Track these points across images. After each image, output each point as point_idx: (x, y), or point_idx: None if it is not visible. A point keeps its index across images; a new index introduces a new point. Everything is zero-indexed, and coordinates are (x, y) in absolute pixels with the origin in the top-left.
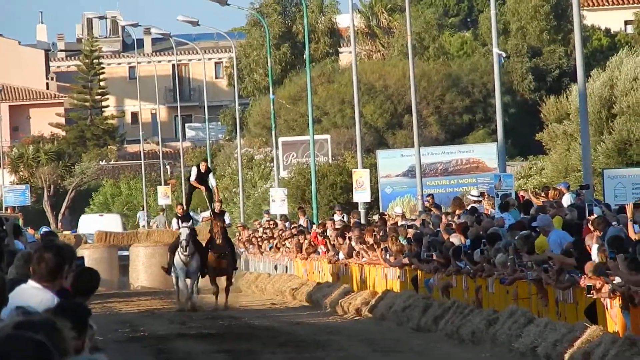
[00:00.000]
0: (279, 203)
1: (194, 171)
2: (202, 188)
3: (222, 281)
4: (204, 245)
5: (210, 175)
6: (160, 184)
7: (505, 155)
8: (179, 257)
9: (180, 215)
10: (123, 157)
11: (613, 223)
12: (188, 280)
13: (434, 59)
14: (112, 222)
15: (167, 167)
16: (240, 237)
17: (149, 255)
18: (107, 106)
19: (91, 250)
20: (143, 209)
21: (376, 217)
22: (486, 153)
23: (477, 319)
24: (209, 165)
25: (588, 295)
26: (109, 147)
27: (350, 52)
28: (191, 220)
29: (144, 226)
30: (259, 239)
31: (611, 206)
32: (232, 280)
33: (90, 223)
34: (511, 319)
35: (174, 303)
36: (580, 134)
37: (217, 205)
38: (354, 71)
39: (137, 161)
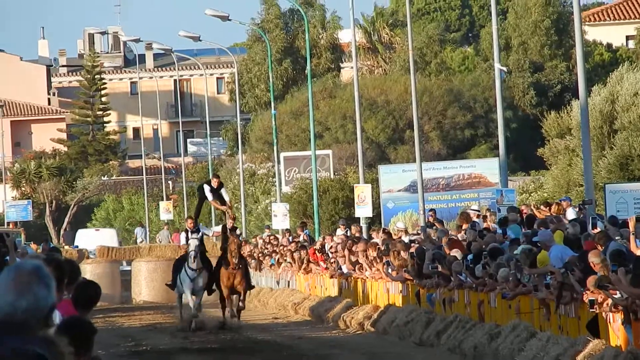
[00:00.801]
0: (281, 218)
1: (207, 190)
2: (223, 208)
3: (234, 301)
4: (215, 261)
5: (223, 191)
6: (162, 199)
7: (507, 170)
8: (186, 271)
9: (190, 229)
10: (125, 172)
11: (616, 238)
12: (193, 298)
13: (435, 74)
14: (108, 237)
15: (169, 182)
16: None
17: (151, 270)
18: (108, 122)
19: (93, 265)
20: (141, 225)
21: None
22: (488, 168)
23: (480, 333)
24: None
25: (590, 310)
26: (110, 162)
27: (351, 68)
28: (200, 233)
29: (141, 242)
30: (259, 254)
31: (617, 219)
32: (246, 300)
33: (87, 238)
34: (513, 333)
35: (177, 319)
36: (582, 148)
37: (229, 222)
38: (355, 86)
39: (139, 176)
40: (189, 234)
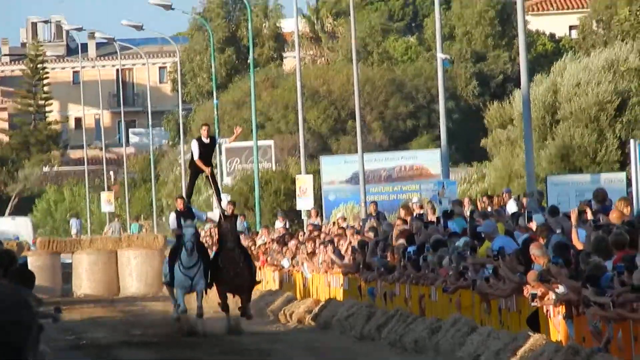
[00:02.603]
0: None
1: (194, 146)
2: (207, 170)
3: (237, 300)
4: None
5: (218, 148)
6: (104, 190)
7: (448, 161)
8: (180, 267)
9: (180, 211)
10: (66, 162)
11: (557, 231)
12: (192, 296)
13: (378, 64)
14: (22, 225)
15: (111, 173)
16: None
17: (92, 262)
18: (50, 111)
19: (34, 257)
20: (76, 216)
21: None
22: (430, 159)
23: (420, 328)
24: (214, 136)
25: (532, 304)
26: (52, 152)
27: (294, 57)
28: (194, 219)
29: (76, 233)
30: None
31: (558, 209)
32: (250, 297)
33: (1, 225)
34: (454, 327)
35: (175, 322)
36: (524, 139)
37: (229, 208)
38: (298, 76)
39: (81, 167)
40: (181, 219)
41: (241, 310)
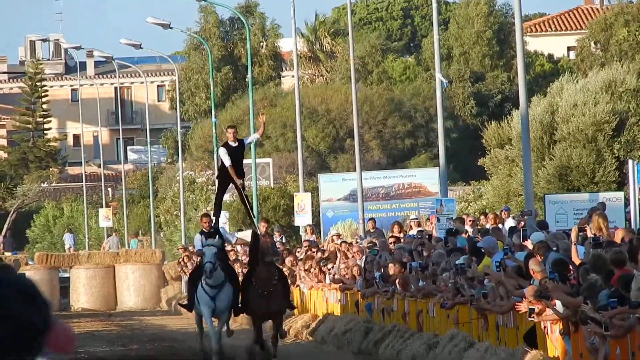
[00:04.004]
0: (220, 226)
1: (223, 153)
2: (239, 182)
3: (268, 327)
4: (241, 275)
5: (250, 140)
6: (102, 207)
7: (447, 179)
8: (203, 288)
9: (205, 231)
10: (65, 179)
11: (554, 248)
12: (215, 321)
13: (377, 83)
14: None
15: (109, 189)
16: (180, 260)
17: (90, 277)
18: (49, 128)
19: (32, 271)
20: (70, 231)
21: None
22: (428, 177)
23: (418, 343)
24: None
25: (529, 319)
26: (50, 169)
27: (293, 76)
28: (219, 238)
29: (69, 248)
30: (197, 261)
31: (547, 224)
32: (283, 325)
33: None
34: (451, 343)
35: (198, 348)
36: (522, 159)
37: (262, 226)
38: (296, 95)
39: (79, 183)
40: (203, 237)
41: (272, 336)
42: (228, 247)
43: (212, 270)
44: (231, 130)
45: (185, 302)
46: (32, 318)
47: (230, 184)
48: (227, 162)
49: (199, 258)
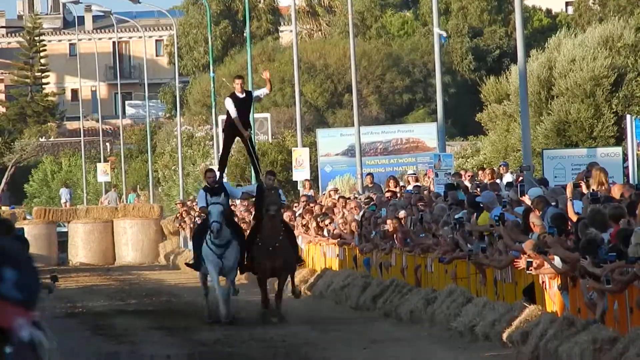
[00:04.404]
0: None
1: (229, 104)
2: (246, 133)
3: (274, 284)
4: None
5: (259, 94)
6: (100, 161)
7: (445, 135)
8: (209, 246)
9: (209, 186)
10: (63, 134)
11: (552, 203)
12: (222, 280)
13: (375, 38)
14: None
15: (107, 144)
16: (178, 215)
17: (88, 231)
18: (47, 83)
19: (30, 226)
20: (66, 186)
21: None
22: (426, 133)
23: (416, 298)
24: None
25: (527, 272)
26: (49, 124)
27: (291, 31)
28: (224, 195)
29: (65, 202)
30: (195, 217)
31: (547, 181)
32: (289, 281)
33: None
34: (449, 298)
35: (204, 308)
36: (520, 114)
37: (268, 179)
38: (294, 50)
39: (77, 138)
40: (208, 195)
41: (277, 293)
42: (237, 202)
43: (219, 230)
44: (238, 81)
45: (190, 261)
46: None
47: (237, 137)
48: (233, 113)
49: (202, 215)
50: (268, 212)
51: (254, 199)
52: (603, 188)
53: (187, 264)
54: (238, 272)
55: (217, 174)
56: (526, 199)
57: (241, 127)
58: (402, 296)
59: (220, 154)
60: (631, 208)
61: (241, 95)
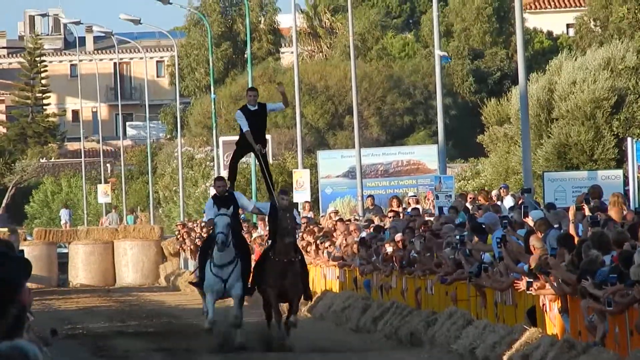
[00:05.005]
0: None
1: (240, 117)
2: (257, 146)
3: (284, 308)
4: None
5: (274, 108)
6: (101, 182)
7: (445, 157)
8: (211, 265)
9: (218, 195)
10: (64, 155)
11: (555, 225)
12: (230, 301)
13: (376, 60)
14: None
15: (108, 165)
16: (179, 236)
17: (88, 252)
18: (48, 104)
19: (30, 247)
20: (66, 207)
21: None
22: (427, 155)
23: (416, 320)
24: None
25: (527, 292)
26: (49, 144)
27: (292, 52)
28: (234, 207)
29: (65, 223)
30: (196, 239)
31: (555, 206)
32: (298, 307)
33: None
34: (450, 320)
35: (209, 333)
36: (521, 136)
37: (282, 197)
38: (295, 71)
39: (78, 159)
40: (216, 207)
41: (286, 320)
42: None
43: (224, 242)
44: (251, 93)
45: (194, 279)
46: (9, 275)
47: (250, 152)
48: (245, 126)
49: (209, 227)
50: (283, 240)
51: (266, 218)
52: (623, 213)
53: (191, 283)
54: (243, 299)
55: (228, 183)
56: (529, 221)
57: (252, 140)
58: (402, 318)
59: (229, 164)
60: (633, 231)
61: (253, 108)
